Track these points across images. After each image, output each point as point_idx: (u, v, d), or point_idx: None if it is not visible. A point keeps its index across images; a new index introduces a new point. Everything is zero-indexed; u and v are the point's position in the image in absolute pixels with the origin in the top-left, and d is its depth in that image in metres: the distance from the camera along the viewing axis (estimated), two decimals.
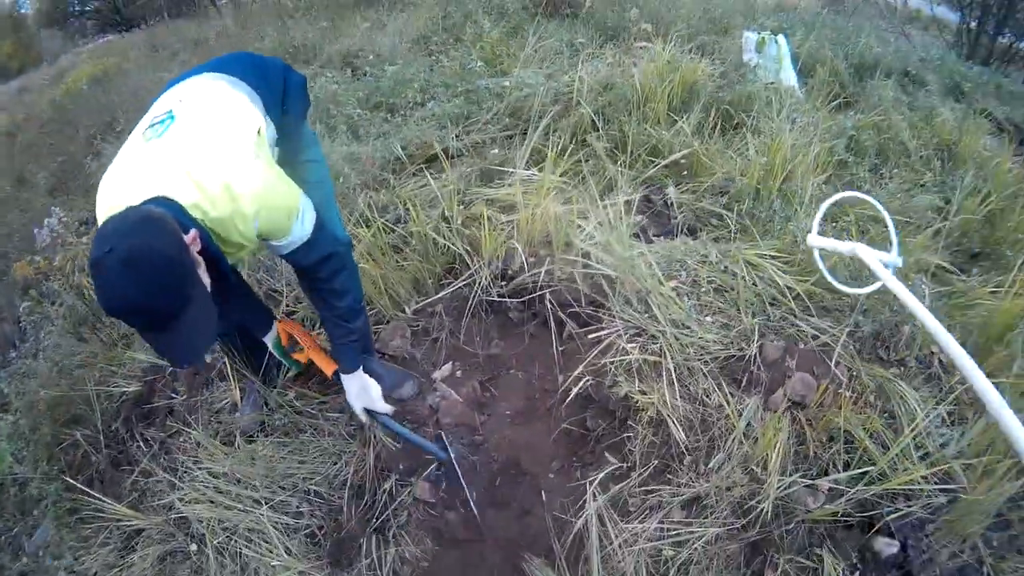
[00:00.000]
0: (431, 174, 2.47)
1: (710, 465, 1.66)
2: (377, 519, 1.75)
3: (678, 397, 1.76)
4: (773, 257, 2.05)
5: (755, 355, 1.83)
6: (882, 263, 1.63)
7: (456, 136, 2.78)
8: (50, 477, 2.27)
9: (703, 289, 1.99)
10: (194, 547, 1.92)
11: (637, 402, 1.76)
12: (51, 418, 2.45)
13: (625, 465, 1.73)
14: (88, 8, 14.40)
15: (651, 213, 2.39)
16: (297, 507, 1.82)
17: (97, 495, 2.05)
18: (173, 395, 2.28)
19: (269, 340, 1.82)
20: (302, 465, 1.88)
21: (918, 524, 1.60)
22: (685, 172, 2.50)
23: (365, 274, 2.14)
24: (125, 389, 2.39)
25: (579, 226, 2.05)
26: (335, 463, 1.87)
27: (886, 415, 1.72)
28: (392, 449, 1.85)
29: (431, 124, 2.92)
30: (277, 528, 1.77)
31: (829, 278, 1.79)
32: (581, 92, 2.78)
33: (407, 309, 2.16)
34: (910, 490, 1.59)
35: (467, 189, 2.41)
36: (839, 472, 1.63)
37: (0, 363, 3.37)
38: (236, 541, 1.78)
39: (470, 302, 2.09)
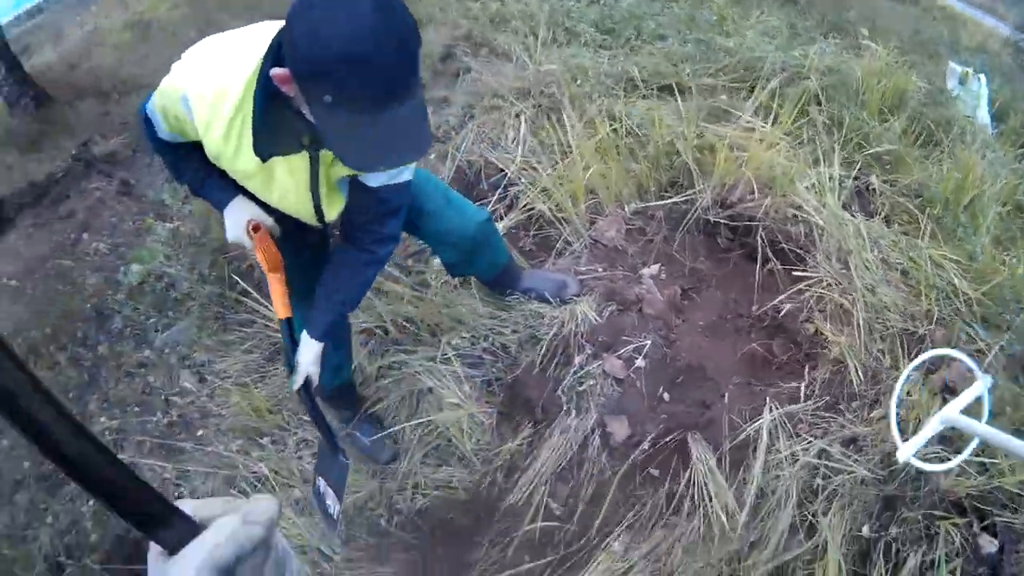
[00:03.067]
0: (660, 103, 2.65)
1: (872, 415, 1.85)
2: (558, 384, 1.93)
3: (863, 348, 1.95)
4: (954, 261, 2.20)
5: (927, 335, 2.00)
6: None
7: (688, 74, 2.89)
8: (206, 281, 2.31)
9: (890, 268, 2.17)
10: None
11: (827, 340, 1.96)
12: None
13: (802, 391, 1.93)
14: None
15: (855, 193, 2.53)
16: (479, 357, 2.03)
17: (258, 298, 2.09)
18: None
19: None
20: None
21: (1022, 534, 1.71)
22: (888, 166, 2.63)
23: (596, 169, 2.31)
24: None
25: (794, 181, 2.23)
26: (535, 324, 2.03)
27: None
28: (594, 323, 1.99)
29: (662, 58, 3.03)
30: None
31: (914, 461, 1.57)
32: (811, 67, 2.89)
33: (626, 208, 2.35)
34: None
35: (698, 121, 2.53)
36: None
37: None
38: (419, 376, 1.98)
39: (688, 217, 2.28)
